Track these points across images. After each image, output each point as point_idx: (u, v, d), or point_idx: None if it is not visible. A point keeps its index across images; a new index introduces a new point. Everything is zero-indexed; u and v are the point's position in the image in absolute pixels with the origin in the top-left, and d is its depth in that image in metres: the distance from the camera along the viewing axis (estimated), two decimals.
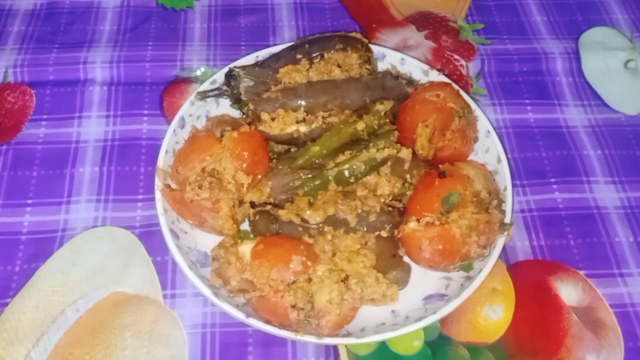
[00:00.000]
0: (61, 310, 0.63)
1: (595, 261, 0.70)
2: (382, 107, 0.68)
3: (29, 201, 0.71)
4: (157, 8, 0.89)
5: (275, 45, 0.77)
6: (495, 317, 0.65)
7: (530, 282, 0.68)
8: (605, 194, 0.75)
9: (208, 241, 0.65)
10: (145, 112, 0.78)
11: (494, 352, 0.64)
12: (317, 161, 0.66)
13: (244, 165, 0.63)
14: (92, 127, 0.77)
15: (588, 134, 0.80)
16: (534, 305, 0.66)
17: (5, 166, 0.73)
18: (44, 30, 0.86)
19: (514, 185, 0.72)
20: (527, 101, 0.83)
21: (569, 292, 0.67)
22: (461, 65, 0.85)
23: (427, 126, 0.66)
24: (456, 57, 0.86)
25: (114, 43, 0.84)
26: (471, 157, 0.72)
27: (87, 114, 0.78)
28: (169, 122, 0.77)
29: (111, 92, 0.80)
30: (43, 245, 0.67)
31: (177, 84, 0.81)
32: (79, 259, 0.66)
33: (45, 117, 0.77)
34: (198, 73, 0.82)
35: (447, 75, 0.77)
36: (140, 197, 0.71)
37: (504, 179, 0.68)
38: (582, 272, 0.69)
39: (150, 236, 0.68)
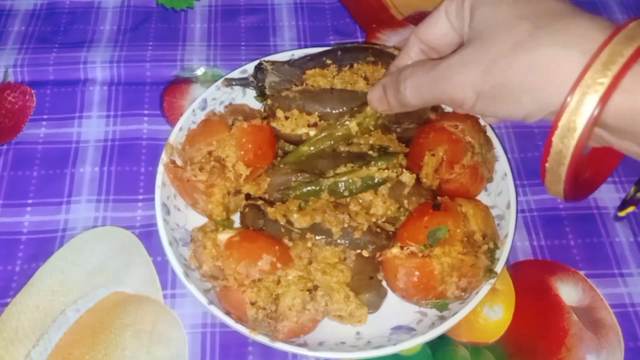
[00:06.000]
0: (61, 310, 0.63)
1: (595, 261, 0.70)
2: (371, 111, 0.65)
3: (29, 201, 0.71)
4: (157, 8, 0.89)
5: (275, 45, 0.77)
6: (495, 317, 0.65)
7: (530, 282, 0.68)
8: (605, 194, 0.75)
9: (199, 222, 0.65)
10: (146, 112, 0.78)
11: (494, 352, 0.64)
12: (319, 168, 0.65)
13: (246, 156, 0.63)
14: (93, 127, 0.77)
15: None
16: (534, 305, 0.66)
17: (6, 166, 0.73)
18: (44, 30, 0.86)
19: (514, 186, 0.71)
20: None
21: (569, 292, 0.67)
22: None
23: (433, 155, 0.64)
24: None
25: (114, 43, 0.84)
26: (482, 197, 0.68)
27: (87, 114, 0.78)
28: (169, 122, 0.77)
29: (111, 92, 0.80)
30: (43, 245, 0.67)
31: (177, 84, 0.81)
32: (79, 258, 0.66)
33: (45, 117, 0.77)
34: (198, 73, 0.82)
35: None
36: (140, 197, 0.71)
37: (508, 226, 0.64)
38: (582, 272, 0.69)
39: (150, 236, 0.68)
